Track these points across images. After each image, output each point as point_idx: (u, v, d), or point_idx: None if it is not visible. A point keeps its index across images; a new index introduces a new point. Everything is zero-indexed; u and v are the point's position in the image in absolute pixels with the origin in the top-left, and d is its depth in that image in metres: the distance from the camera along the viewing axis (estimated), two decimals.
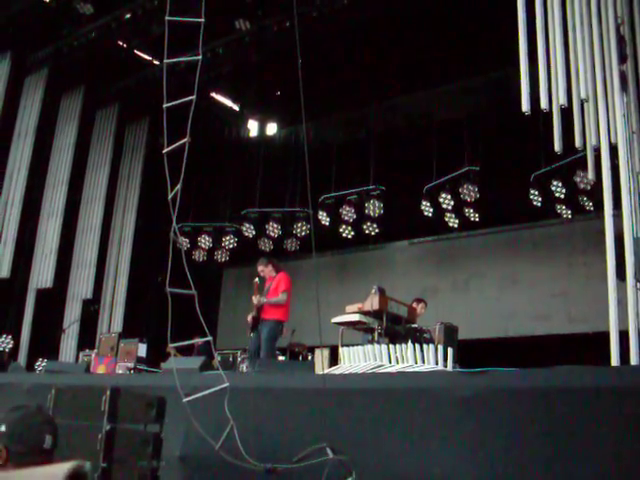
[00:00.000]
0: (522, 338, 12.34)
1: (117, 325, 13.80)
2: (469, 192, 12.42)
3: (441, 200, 12.81)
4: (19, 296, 13.08)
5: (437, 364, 6.00)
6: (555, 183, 11.80)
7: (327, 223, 13.90)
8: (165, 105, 4.88)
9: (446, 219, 13.05)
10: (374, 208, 13.37)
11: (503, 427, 4.48)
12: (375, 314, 7.59)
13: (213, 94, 15.50)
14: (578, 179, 11.41)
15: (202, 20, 5.04)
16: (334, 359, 7.74)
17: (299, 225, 14.52)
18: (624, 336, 5.12)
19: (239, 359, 9.63)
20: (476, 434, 4.56)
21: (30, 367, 12.07)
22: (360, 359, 6.45)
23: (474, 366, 5.00)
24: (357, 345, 6.77)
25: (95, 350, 10.09)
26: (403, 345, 6.27)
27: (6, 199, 12.74)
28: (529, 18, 5.96)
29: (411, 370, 5.92)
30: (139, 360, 9.04)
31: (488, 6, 10.43)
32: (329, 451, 4.49)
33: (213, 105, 15.60)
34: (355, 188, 13.67)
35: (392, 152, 14.14)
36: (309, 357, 10.19)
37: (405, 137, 14.24)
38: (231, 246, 15.10)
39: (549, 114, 5.76)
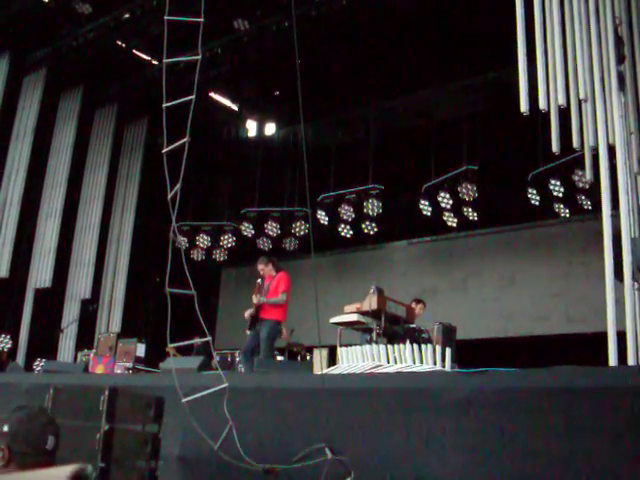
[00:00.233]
0: (520, 338, 12.34)
1: (115, 325, 13.81)
2: (467, 191, 12.44)
3: (440, 199, 12.83)
4: (18, 296, 13.09)
5: (435, 364, 6.00)
6: (553, 182, 11.81)
7: (326, 222, 13.91)
8: (165, 105, 4.88)
9: (444, 218, 13.06)
10: (373, 207, 13.38)
11: (501, 427, 4.49)
12: (373, 314, 7.59)
13: (212, 94, 15.50)
14: (576, 178, 11.41)
15: (202, 20, 5.04)
16: (332, 359, 7.75)
17: (298, 224, 14.54)
18: (623, 336, 5.12)
19: (238, 359, 9.62)
20: (474, 434, 4.57)
21: (28, 367, 12.07)
22: (358, 359, 6.45)
23: (472, 366, 5.01)
24: (355, 345, 6.77)
25: (93, 350, 10.10)
26: (401, 345, 6.27)
27: (5, 199, 12.74)
28: (527, 18, 5.96)
29: (409, 370, 5.92)
30: (137, 360, 9.04)
31: (486, 6, 10.44)
32: (328, 451, 4.50)
33: (212, 105, 15.60)
34: (354, 187, 13.68)
35: (391, 151, 14.16)
36: (307, 357, 10.19)
37: (404, 136, 14.25)
38: (229, 245, 15.11)
39: (547, 114, 5.77)
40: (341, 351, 6.77)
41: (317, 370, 7.29)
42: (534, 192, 12.07)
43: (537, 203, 12.10)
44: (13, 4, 12.14)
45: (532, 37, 5.94)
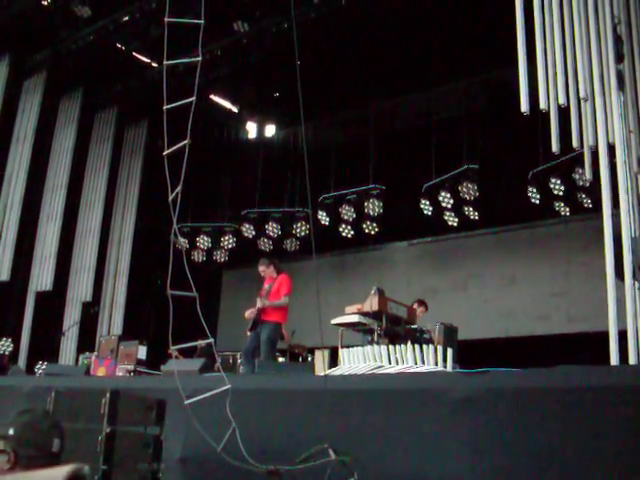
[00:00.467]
0: (522, 338, 12.34)
1: (117, 327, 13.80)
2: (468, 190, 12.44)
3: (440, 198, 12.82)
4: (19, 299, 13.09)
5: (437, 365, 6.00)
6: (553, 180, 11.80)
7: (327, 223, 13.90)
8: (165, 107, 4.88)
9: (445, 217, 13.06)
10: (374, 207, 13.38)
11: (503, 427, 4.48)
12: (375, 315, 7.60)
13: (212, 96, 15.51)
14: (577, 176, 11.39)
15: (202, 22, 5.04)
16: (334, 360, 7.74)
17: (299, 225, 14.54)
18: (624, 335, 5.12)
19: (239, 361, 9.63)
20: (476, 434, 4.57)
21: (30, 370, 12.07)
22: (360, 360, 6.45)
23: (474, 366, 5.01)
24: (357, 346, 6.77)
25: (95, 353, 10.10)
26: (403, 346, 6.26)
27: (5, 202, 12.75)
28: (527, 18, 5.97)
29: (411, 371, 5.92)
30: (139, 362, 9.04)
31: (486, 6, 10.44)
32: (331, 452, 4.49)
33: (212, 107, 15.60)
34: (354, 187, 13.69)
35: (391, 151, 14.15)
36: (309, 358, 10.19)
37: (404, 136, 14.25)
38: (230, 246, 15.11)
39: (547, 113, 5.77)
40: (342, 352, 6.77)
41: (319, 371, 7.28)
42: (534, 190, 12.06)
43: (537, 201, 12.08)
44: (13, 7, 12.14)
45: (532, 37, 5.95)
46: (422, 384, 5.25)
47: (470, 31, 11.64)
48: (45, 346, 12.99)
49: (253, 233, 14.82)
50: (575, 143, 5.79)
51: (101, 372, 9.35)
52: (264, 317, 8.25)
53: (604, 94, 5.75)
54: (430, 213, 13.04)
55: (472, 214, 12.88)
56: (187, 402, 4.56)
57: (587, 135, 5.84)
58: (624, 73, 5.92)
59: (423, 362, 6.07)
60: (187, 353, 9.49)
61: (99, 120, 14.55)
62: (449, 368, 5.95)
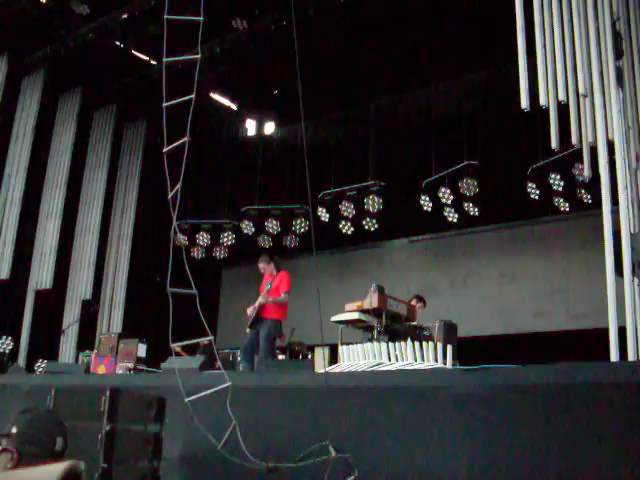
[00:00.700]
0: (522, 335, 12.34)
1: (117, 325, 13.80)
2: (468, 187, 12.43)
3: (440, 195, 12.82)
4: (18, 297, 13.08)
5: (437, 362, 6.01)
6: (553, 176, 11.79)
7: (326, 219, 13.90)
8: (164, 104, 4.88)
9: (445, 214, 13.05)
10: (373, 204, 13.38)
11: (503, 424, 4.49)
12: (374, 312, 7.59)
13: (211, 93, 15.49)
14: (576, 172, 11.38)
15: (201, 19, 5.03)
16: (334, 357, 7.74)
17: (298, 222, 14.53)
18: (623, 331, 5.12)
19: (239, 358, 9.63)
20: (476, 431, 4.57)
21: (30, 368, 12.07)
22: (360, 357, 6.46)
23: (474, 363, 5.01)
24: (357, 343, 6.77)
25: (95, 350, 10.09)
26: (403, 343, 6.27)
27: (5, 200, 12.73)
28: (527, 14, 5.96)
29: (411, 368, 5.92)
30: (139, 360, 9.04)
31: (486, 2, 10.42)
32: (331, 449, 4.50)
33: (211, 104, 15.58)
34: (354, 184, 13.67)
35: (391, 147, 14.14)
36: (309, 356, 10.19)
37: (404, 132, 14.23)
38: (230, 243, 15.10)
39: (546, 109, 5.76)
40: (342, 349, 6.77)
41: (318, 368, 7.29)
42: (533, 186, 12.05)
43: (537, 197, 12.07)
44: (11, 5, 12.12)
45: (532, 33, 5.95)
46: (422, 381, 5.26)
47: (470, 27, 11.62)
48: (45, 344, 12.98)
49: (253, 230, 14.80)
50: (575, 140, 5.79)
51: (101, 370, 9.35)
52: (263, 314, 8.26)
53: (603, 91, 5.74)
54: (430, 209, 13.03)
55: (472, 210, 12.88)
56: (188, 399, 4.57)
57: (586, 132, 5.83)
58: (623, 70, 5.91)
59: (423, 359, 6.08)
60: (189, 350, 9.49)
61: (98, 118, 14.52)
62: (449, 365, 5.96)
